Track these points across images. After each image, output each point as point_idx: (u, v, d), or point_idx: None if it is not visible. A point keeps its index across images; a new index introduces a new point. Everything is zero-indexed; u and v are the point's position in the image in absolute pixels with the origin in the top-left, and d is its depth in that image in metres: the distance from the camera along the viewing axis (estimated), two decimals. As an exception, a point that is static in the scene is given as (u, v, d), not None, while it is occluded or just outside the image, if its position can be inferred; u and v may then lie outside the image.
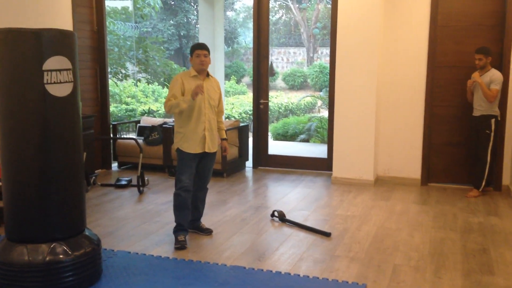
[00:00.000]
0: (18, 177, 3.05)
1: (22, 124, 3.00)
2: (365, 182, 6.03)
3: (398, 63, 6.06)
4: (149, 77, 13.41)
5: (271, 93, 7.32)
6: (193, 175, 4.03)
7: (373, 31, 5.79)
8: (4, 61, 2.95)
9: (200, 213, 4.29)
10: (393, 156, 6.21)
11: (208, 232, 4.26)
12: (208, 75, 4.03)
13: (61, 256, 3.01)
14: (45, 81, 2.95)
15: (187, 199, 3.99)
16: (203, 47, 3.97)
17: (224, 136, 4.22)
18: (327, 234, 4.24)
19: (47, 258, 2.97)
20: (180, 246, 3.90)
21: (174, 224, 4.05)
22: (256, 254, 3.82)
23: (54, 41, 2.97)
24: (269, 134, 7.51)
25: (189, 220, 4.10)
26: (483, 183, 5.52)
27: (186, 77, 3.95)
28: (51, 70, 2.96)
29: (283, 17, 22.37)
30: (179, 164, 4.02)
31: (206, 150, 3.99)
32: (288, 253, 3.86)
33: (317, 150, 8.65)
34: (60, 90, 3.02)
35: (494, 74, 5.32)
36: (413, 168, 6.13)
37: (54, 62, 2.97)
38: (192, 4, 19.23)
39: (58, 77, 3.00)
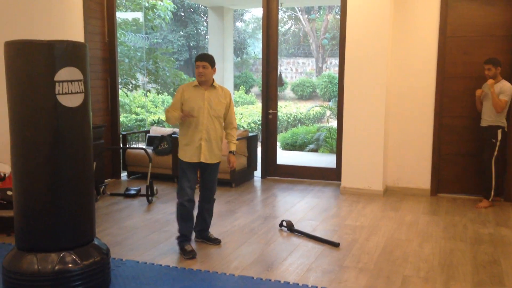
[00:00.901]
0: (29, 186, 3.09)
1: (34, 134, 3.04)
2: (374, 192, 6.01)
3: (407, 74, 6.06)
4: (158, 87, 13.51)
5: (280, 103, 7.32)
6: (195, 184, 4.03)
7: (382, 41, 5.80)
8: (17, 71, 3.00)
9: (208, 224, 4.29)
10: (403, 167, 6.19)
11: (216, 242, 4.26)
12: (213, 85, 4.00)
13: (70, 265, 3.03)
14: (56, 92, 2.99)
15: (191, 209, 4.00)
16: (202, 58, 3.93)
17: (232, 149, 4.14)
18: (335, 245, 4.23)
19: (56, 267, 3.00)
20: (191, 256, 3.91)
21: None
22: (264, 264, 3.82)
23: (66, 52, 3.02)
24: (278, 144, 7.51)
25: (192, 230, 4.10)
26: (492, 193, 5.48)
27: (189, 87, 3.99)
28: (62, 81, 3.00)
29: (292, 28, 22.48)
30: (179, 173, 4.04)
31: (202, 160, 3.96)
32: (297, 263, 3.85)
33: (326, 160, 8.64)
34: (71, 100, 3.06)
35: (505, 85, 5.32)
36: (422, 178, 6.10)
37: (66, 73, 3.01)
38: (202, 15, 19.40)
39: (70, 88, 3.04)
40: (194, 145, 3.94)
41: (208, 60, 3.94)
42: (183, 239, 4.02)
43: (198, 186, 4.13)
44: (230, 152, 4.14)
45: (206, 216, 4.23)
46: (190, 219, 4.03)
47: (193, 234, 4.26)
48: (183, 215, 3.99)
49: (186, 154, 3.97)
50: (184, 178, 3.98)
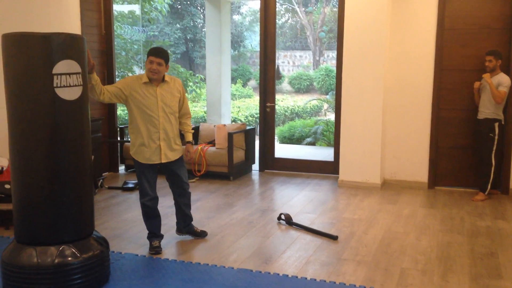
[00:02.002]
0: (27, 179, 3.08)
1: (32, 127, 3.03)
2: (372, 185, 6.03)
3: (405, 66, 6.06)
4: (155, 80, 13.46)
5: (277, 97, 7.31)
6: (155, 181, 3.92)
7: (380, 34, 5.80)
8: (14, 65, 2.98)
9: (189, 217, 4.18)
10: (400, 160, 6.21)
11: (203, 235, 4.23)
12: (163, 79, 3.77)
13: (69, 259, 3.03)
14: (55, 85, 2.98)
15: (154, 207, 3.92)
16: (158, 54, 3.66)
17: (190, 139, 3.98)
18: (334, 238, 4.24)
19: (56, 261, 3.00)
20: (154, 252, 3.88)
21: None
22: (263, 257, 3.83)
23: (63, 45, 3.00)
24: (275, 137, 7.51)
25: (159, 226, 4.01)
26: (489, 187, 5.51)
27: (138, 83, 3.70)
28: (60, 74, 2.99)
29: (289, 21, 22.41)
30: (137, 174, 3.88)
31: (164, 161, 3.82)
32: (295, 256, 3.86)
33: (323, 153, 8.65)
34: (69, 93, 3.05)
35: (503, 77, 5.34)
36: (420, 171, 6.12)
37: (63, 66, 3.00)
38: (199, 8, 19.31)
39: (68, 81, 3.02)
40: (153, 145, 3.76)
41: (164, 57, 3.68)
42: (150, 235, 3.97)
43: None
44: (188, 142, 3.98)
45: (185, 209, 4.12)
46: (155, 216, 3.96)
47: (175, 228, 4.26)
48: (147, 214, 3.93)
49: (144, 155, 3.78)
50: (143, 179, 3.84)
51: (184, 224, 4.19)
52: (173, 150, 3.88)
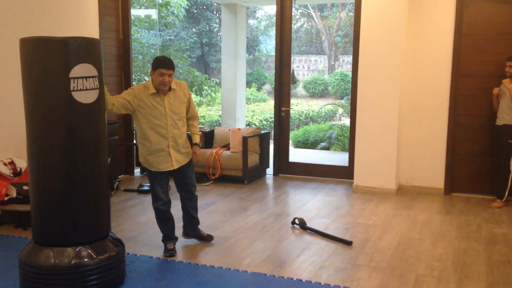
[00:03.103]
0: (45, 181, 3.13)
1: (49, 130, 3.07)
2: (387, 191, 5.98)
3: (421, 72, 6.02)
4: (171, 84, 13.55)
5: (292, 101, 7.29)
6: (167, 186, 3.97)
7: (397, 39, 5.77)
8: (32, 68, 3.03)
9: (197, 221, 4.20)
10: (416, 165, 6.15)
11: (209, 239, 4.24)
12: (170, 88, 3.75)
13: (86, 260, 3.07)
14: (71, 88, 3.02)
15: (167, 211, 3.96)
16: (169, 66, 3.64)
17: (197, 141, 3.97)
18: (348, 243, 4.22)
19: (73, 262, 3.03)
20: (169, 254, 3.91)
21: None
22: (277, 262, 3.82)
23: (80, 49, 3.04)
24: (290, 141, 7.51)
25: (173, 229, 4.05)
26: (506, 193, 5.43)
27: (145, 94, 3.69)
28: (77, 78, 3.03)
29: (305, 25, 22.41)
30: (150, 180, 3.93)
31: (175, 167, 3.84)
32: (309, 261, 3.85)
33: (338, 158, 8.62)
34: (86, 97, 3.08)
35: (523, 83, 5.27)
36: (436, 177, 6.06)
37: (80, 70, 3.04)
38: (215, 12, 19.42)
39: (85, 84, 3.06)
40: (163, 154, 3.78)
41: (173, 67, 3.70)
42: (165, 238, 4.02)
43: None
44: (195, 144, 3.97)
45: (192, 212, 4.13)
46: (169, 220, 4.00)
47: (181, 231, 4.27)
48: (161, 218, 3.97)
49: (155, 164, 3.82)
50: (156, 185, 3.88)
51: (192, 227, 4.21)
52: (182, 153, 3.89)
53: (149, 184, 5.98)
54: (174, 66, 3.74)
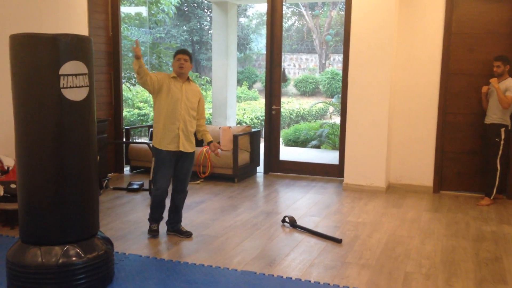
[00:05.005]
0: (33, 179, 3.10)
1: (38, 127, 3.04)
2: (376, 189, 6.01)
3: (411, 70, 6.05)
4: (162, 82, 13.51)
5: (283, 99, 7.32)
6: (170, 178, 4.21)
7: (387, 38, 5.79)
8: (21, 65, 3.01)
9: (180, 216, 4.39)
10: (405, 163, 6.19)
11: (188, 234, 4.33)
12: (188, 79, 4.21)
13: (74, 259, 3.05)
14: (61, 85, 3.00)
15: (164, 198, 4.24)
16: (184, 52, 4.20)
17: (210, 139, 4.33)
18: (338, 241, 4.24)
19: (60, 261, 3.01)
20: (152, 235, 4.25)
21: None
22: (267, 260, 3.83)
23: (70, 46, 3.02)
24: (281, 140, 7.51)
25: (162, 214, 4.33)
26: (494, 191, 5.49)
27: (168, 77, 4.16)
28: (67, 75, 3.01)
29: (296, 24, 22.42)
30: (155, 165, 4.21)
31: (181, 149, 4.13)
32: (299, 259, 3.86)
33: (328, 157, 8.64)
34: (76, 94, 3.06)
35: (511, 82, 5.32)
36: (425, 175, 6.10)
37: (70, 67, 3.01)
38: (206, 10, 19.36)
39: (74, 82, 3.04)
40: (172, 134, 4.10)
41: (189, 54, 4.19)
42: (152, 220, 4.31)
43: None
44: (211, 141, 4.32)
45: (179, 207, 4.35)
46: (162, 206, 4.29)
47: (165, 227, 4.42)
48: (155, 203, 4.25)
49: (163, 142, 4.12)
50: (159, 172, 4.17)
51: (175, 222, 4.37)
52: (190, 142, 4.20)
53: (138, 183, 6.02)
54: (191, 56, 4.22)
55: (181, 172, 4.24)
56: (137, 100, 12.62)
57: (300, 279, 3.47)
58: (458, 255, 3.98)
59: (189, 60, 4.17)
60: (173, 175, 4.26)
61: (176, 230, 4.35)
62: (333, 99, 16.22)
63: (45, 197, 3.08)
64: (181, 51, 4.19)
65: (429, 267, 3.74)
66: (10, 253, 3.12)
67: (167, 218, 4.39)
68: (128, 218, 4.86)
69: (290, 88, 19.71)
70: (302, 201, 5.60)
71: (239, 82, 18.15)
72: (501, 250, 4.12)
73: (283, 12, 6.87)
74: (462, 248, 4.15)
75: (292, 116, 14.44)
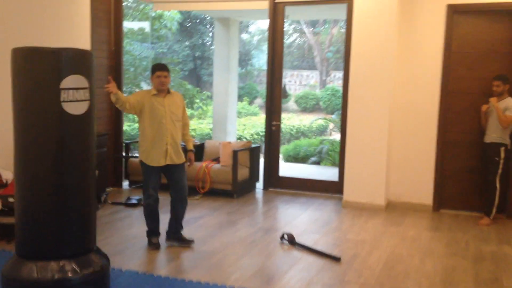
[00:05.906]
0: (31, 193, 3.09)
1: (38, 140, 3.05)
2: (376, 206, 5.98)
3: (411, 88, 6.06)
4: (162, 97, 13.56)
5: (283, 115, 7.30)
6: (158, 186, 4.33)
7: (387, 56, 5.82)
8: (23, 78, 3.02)
9: (181, 225, 4.45)
10: (405, 181, 6.17)
11: (188, 243, 4.38)
12: (169, 91, 4.28)
13: (69, 274, 3.02)
14: (62, 99, 3.01)
15: (156, 207, 4.35)
16: (163, 68, 4.24)
17: (191, 148, 4.44)
18: (337, 259, 4.20)
19: (56, 276, 2.99)
20: (154, 247, 4.30)
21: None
22: (265, 277, 3.79)
23: (72, 60, 3.04)
24: (280, 155, 7.50)
25: (158, 225, 4.41)
26: (494, 211, 5.46)
27: (148, 96, 4.20)
28: (68, 89, 3.02)
29: (297, 40, 22.55)
30: (144, 177, 4.33)
31: (169, 163, 4.23)
32: (297, 277, 3.82)
33: (328, 173, 8.61)
34: (76, 108, 3.07)
35: (510, 102, 5.33)
36: (425, 193, 6.07)
37: (71, 81, 3.03)
38: (208, 26, 19.50)
39: (75, 96, 3.05)
40: (160, 149, 4.20)
41: (168, 69, 4.28)
42: (150, 233, 4.39)
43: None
44: (190, 150, 4.43)
45: (180, 217, 4.40)
46: (156, 215, 4.37)
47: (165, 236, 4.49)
48: (149, 214, 4.35)
49: (152, 158, 4.22)
50: (148, 182, 4.29)
51: (175, 231, 4.41)
52: (178, 154, 4.29)
53: (137, 198, 6.00)
54: (168, 69, 4.28)
55: (176, 183, 4.33)
56: (137, 114, 12.62)
57: (298, 298, 3.43)
58: (458, 275, 3.95)
59: (168, 74, 4.24)
60: (170, 186, 4.35)
61: (178, 238, 4.40)
62: (333, 116, 16.25)
63: (42, 211, 3.07)
64: (159, 67, 4.23)
65: (428, 286, 3.70)
66: (6, 268, 3.10)
67: (168, 227, 4.44)
68: (125, 233, 4.83)
69: (291, 104, 19.75)
70: (301, 218, 5.57)
71: (240, 98, 18.19)
72: (501, 270, 4.09)
73: (285, 29, 6.92)
74: (462, 268, 4.12)
75: (292, 132, 14.44)
